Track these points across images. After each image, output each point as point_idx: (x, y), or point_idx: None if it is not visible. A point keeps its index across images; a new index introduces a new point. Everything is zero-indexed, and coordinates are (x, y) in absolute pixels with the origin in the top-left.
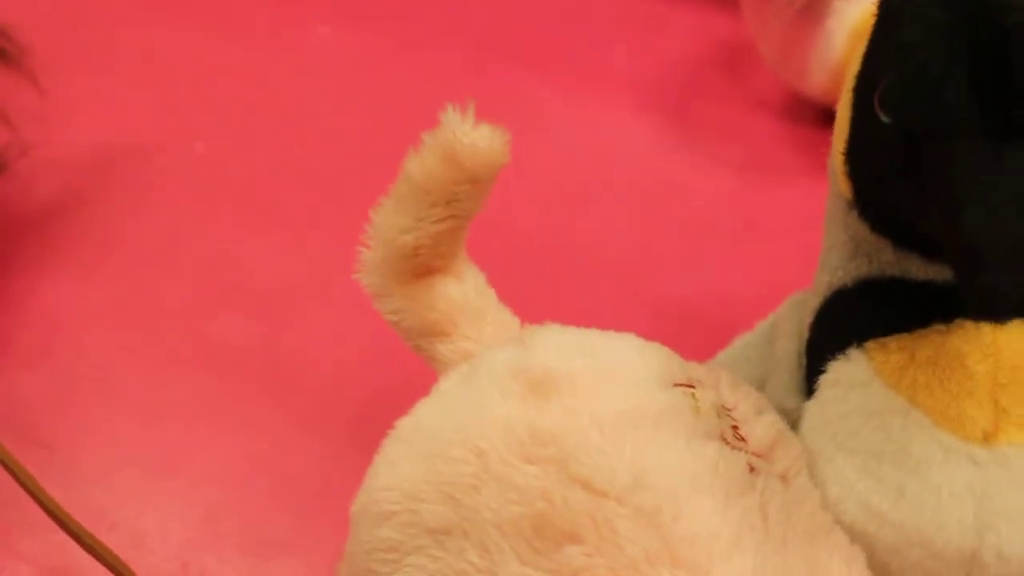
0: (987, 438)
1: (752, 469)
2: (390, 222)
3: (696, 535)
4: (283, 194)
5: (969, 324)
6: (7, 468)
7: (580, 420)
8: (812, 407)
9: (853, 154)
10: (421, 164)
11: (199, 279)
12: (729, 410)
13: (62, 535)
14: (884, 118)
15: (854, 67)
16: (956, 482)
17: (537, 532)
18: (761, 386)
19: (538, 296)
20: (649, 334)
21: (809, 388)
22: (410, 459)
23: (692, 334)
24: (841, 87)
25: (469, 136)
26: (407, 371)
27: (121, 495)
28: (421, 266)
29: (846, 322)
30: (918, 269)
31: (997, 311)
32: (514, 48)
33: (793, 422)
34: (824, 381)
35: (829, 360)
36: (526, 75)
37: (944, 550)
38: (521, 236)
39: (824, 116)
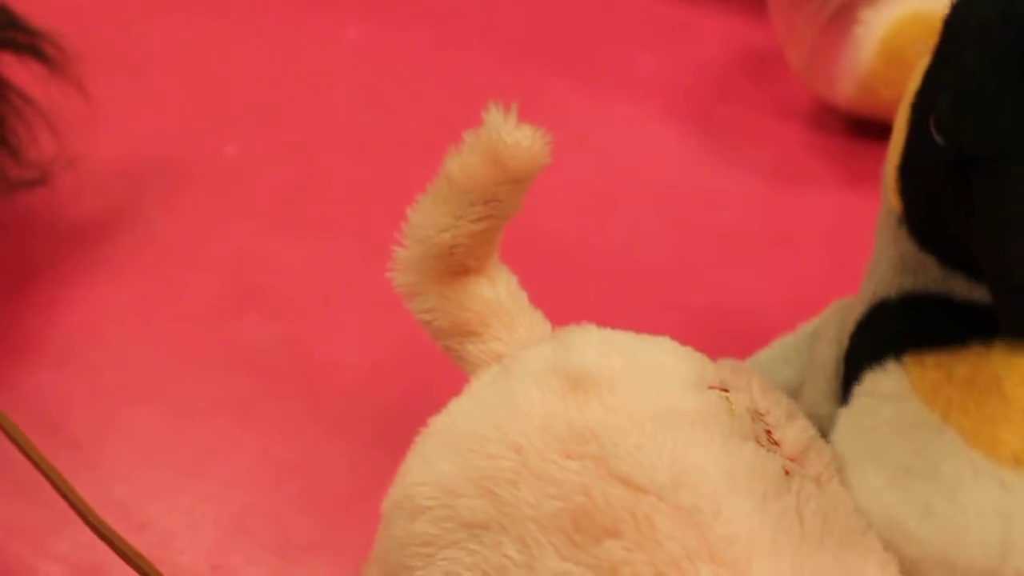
0: (1019, 462)
1: (787, 472)
2: (428, 220)
3: (735, 534)
4: (312, 196)
5: (1009, 347)
6: (39, 468)
7: (620, 418)
8: (845, 415)
9: (905, 171)
10: (462, 163)
11: (228, 281)
12: (762, 414)
13: (92, 534)
14: (938, 138)
15: (914, 83)
16: (984, 504)
17: (576, 527)
18: (798, 390)
19: (566, 299)
20: (677, 338)
21: (845, 396)
22: (445, 455)
23: (720, 339)
24: (869, 96)
25: (512, 136)
26: (433, 372)
27: (150, 494)
28: (456, 265)
29: (886, 334)
30: (963, 289)
31: None
32: (544, 52)
33: (827, 428)
34: (859, 390)
35: (866, 370)
36: (556, 79)
37: (966, 570)
38: (549, 239)
39: (852, 125)
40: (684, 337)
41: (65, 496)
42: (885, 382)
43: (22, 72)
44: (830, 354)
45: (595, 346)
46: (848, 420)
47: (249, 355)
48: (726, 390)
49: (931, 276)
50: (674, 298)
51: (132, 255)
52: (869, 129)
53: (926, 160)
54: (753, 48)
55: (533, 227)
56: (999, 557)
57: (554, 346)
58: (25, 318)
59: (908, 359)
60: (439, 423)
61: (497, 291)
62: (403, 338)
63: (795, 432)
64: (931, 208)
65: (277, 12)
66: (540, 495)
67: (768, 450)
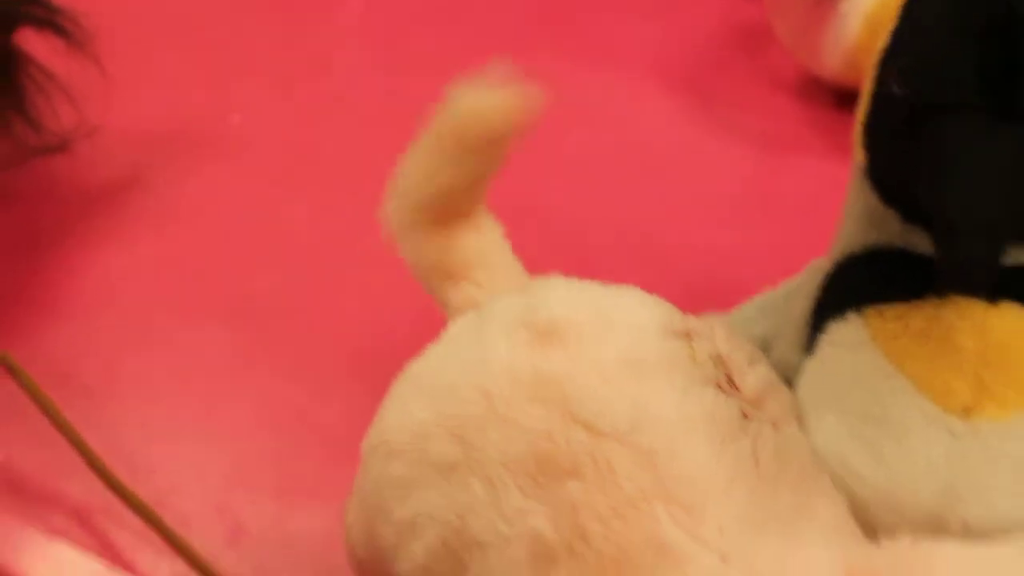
0: (967, 412)
1: (745, 415)
2: (417, 169)
3: (691, 475)
4: (314, 160)
5: (963, 300)
6: (52, 420)
7: (583, 366)
8: (810, 364)
9: (869, 124)
10: (451, 117)
11: (233, 240)
12: (724, 360)
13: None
14: (896, 89)
15: (881, 42)
16: (932, 451)
17: (540, 468)
18: (772, 342)
19: (561, 256)
20: (663, 295)
21: (811, 346)
22: (419, 400)
23: (705, 297)
24: (854, 69)
25: (496, 95)
26: (427, 325)
27: (158, 441)
28: (444, 212)
29: (850, 286)
30: (921, 242)
31: (965, 284)
32: (543, 24)
33: (794, 377)
34: (823, 340)
35: (831, 321)
36: (555, 50)
37: (913, 515)
38: (548, 203)
39: (838, 97)
40: (669, 295)
41: (76, 446)
42: (847, 332)
43: (42, 46)
44: (803, 307)
45: (562, 297)
46: (812, 368)
47: (253, 309)
48: (690, 337)
49: (893, 230)
50: (664, 257)
51: (144, 216)
52: (854, 100)
53: (887, 112)
54: (745, 22)
55: (531, 190)
56: (944, 504)
57: (524, 297)
58: (44, 275)
59: (869, 311)
60: (415, 368)
61: (481, 239)
62: (400, 293)
63: (755, 377)
64: (891, 159)
65: None
66: (506, 439)
67: (728, 395)
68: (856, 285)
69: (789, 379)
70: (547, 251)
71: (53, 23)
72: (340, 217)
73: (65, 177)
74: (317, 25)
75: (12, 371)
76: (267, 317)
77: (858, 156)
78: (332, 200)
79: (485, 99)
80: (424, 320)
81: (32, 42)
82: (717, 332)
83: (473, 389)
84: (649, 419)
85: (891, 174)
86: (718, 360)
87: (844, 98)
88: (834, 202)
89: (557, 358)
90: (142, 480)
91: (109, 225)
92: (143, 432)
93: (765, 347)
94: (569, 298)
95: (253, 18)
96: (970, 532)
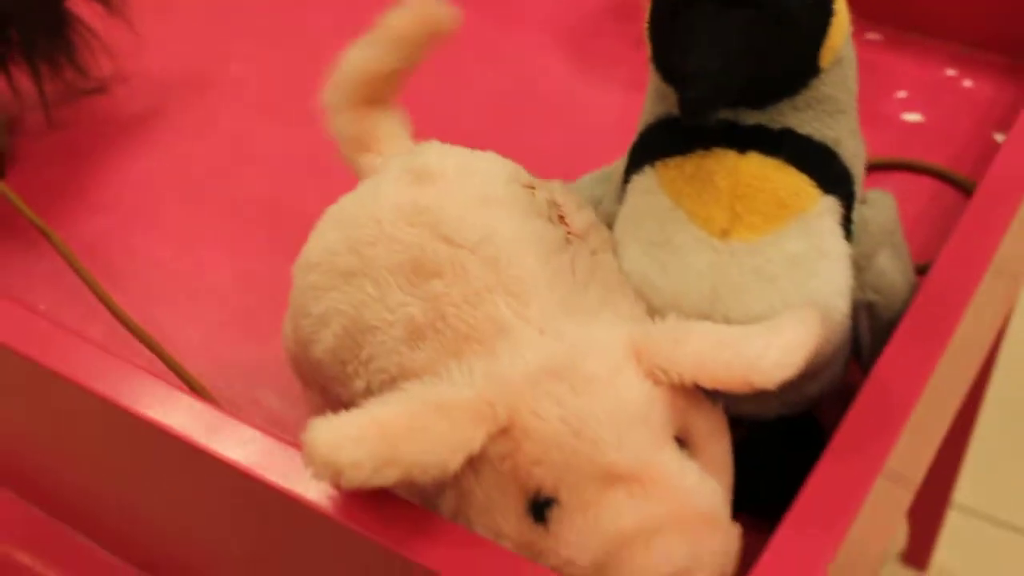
0: (724, 234)
1: (568, 241)
2: (361, 55)
3: (522, 276)
4: (292, 98)
5: (720, 151)
6: (81, 276)
7: (447, 198)
8: (621, 208)
9: (650, 21)
10: (391, 21)
11: (228, 154)
12: (558, 204)
13: (116, 322)
14: None
15: None
16: (700, 264)
17: (413, 271)
18: (602, 199)
19: None
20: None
21: (623, 197)
22: (331, 228)
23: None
24: None
25: (421, 8)
26: None
27: (164, 298)
28: (369, 95)
29: (646, 148)
30: None
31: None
32: None
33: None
34: (629, 190)
35: (633, 174)
36: (476, 14)
37: (689, 312)
38: (461, 130)
39: None
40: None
41: (100, 297)
42: (643, 182)
43: (87, 9)
44: (621, 170)
45: (436, 153)
46: (622, 212)
47: (239, 204)
48: (532, 187)
49: (672, 102)
50: (538, 160)
51: (162, 139)
52: None
53: (658, 8)
54: None
55: (450, 118)
56: (710, 302)
57: (409, 154)
58: (85, 180)
59: (658, 163)
60: (331, 209)
61: (390, 121)
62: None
63: (581, 218)
64: (662, 44)
65: None
66: (390, 251)
67: (556, 226)
68: (650, 146)
69: (612, 224)
70: None
71: None
72: (311, 138)
73: (104, 111)
74: None
75: (52, 241)
76: (248, 209)
77: (647, 49)
78: (301, 128)
79: (420, 8)
80: None
81: (80, 6)
82: (555, 187)
83: (368, 217)
84: (494, 236)
85: (664, 56)
86: (552, 204)
87: None
88: None
89: (429, 193)
90: (150, 325)
91: (136, 145)
92: (151, 291)
93: (597, 204)
94: (441, 153)
95: None
96: (730, 324)
